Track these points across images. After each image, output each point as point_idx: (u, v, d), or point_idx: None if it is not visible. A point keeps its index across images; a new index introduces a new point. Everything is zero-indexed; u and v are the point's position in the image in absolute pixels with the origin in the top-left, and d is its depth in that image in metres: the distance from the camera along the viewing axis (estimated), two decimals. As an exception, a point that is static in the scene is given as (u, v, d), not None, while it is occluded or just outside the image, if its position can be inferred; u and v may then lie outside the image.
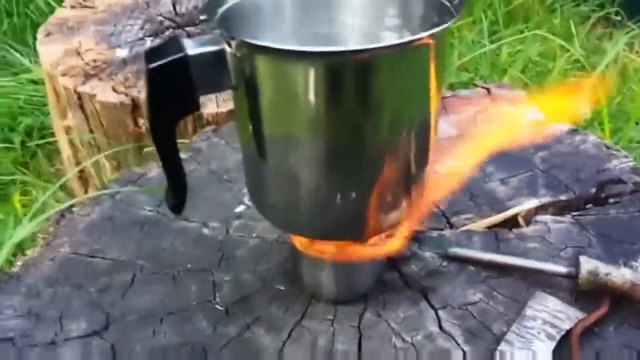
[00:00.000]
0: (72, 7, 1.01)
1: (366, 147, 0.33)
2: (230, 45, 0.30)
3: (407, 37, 0.30)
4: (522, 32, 1.27)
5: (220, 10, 0.34)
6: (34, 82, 1.28)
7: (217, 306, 0.45)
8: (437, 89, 0.35)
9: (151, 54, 0.30)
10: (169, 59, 0.30)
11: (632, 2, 1.54)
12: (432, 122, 0.37)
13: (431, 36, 0.30)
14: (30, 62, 1.33)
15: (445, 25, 0.31)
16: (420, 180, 0.38)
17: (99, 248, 0.50)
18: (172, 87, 0.30)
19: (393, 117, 0.33)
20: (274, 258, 0.49)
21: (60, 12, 1.00)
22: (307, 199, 0.36)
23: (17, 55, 1.34)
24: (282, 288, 0.46)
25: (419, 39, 0.30)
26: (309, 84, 0.31)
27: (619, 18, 1.53)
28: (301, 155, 0.34)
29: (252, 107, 0.33)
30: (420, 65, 0.32)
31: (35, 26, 1.43)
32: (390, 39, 0.37)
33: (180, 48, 0.30)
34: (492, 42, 1.24)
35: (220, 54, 0.30)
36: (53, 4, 1.45)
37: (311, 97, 0.31)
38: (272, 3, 0.37)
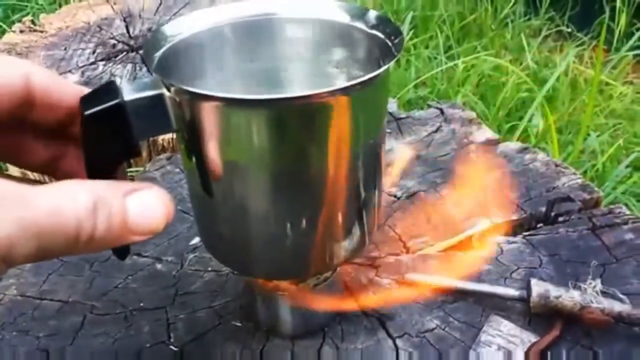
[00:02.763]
0: (21, 31, 0.98)
1: (310, 187, 0.33)
2: (169, 90, 0.30)
3: (352, 80, 0.30)
4: (475, 48, 1.30)
5: (159, 52, 0.33)
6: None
7: (172, 347, 0.43)
8: (380, 123, 0.35)
9: (86, 100, 0.30)
10: (105, 105, 0.29)
11: (581, 15, 1.61)
12: (380, 154, 0.37)
13: (374, 77, 0.30)
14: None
15: (386, 67, 0.31)
16: (370, 215, 0.38)
17: (47, 289, 0.49)
18: (108, 134, 0.29)
19: (338, 155, 0.33)
20: (230, 292, 0.48)
21: (9, 37, 0.97)
22: (251, 238, 0.36)
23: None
24: (239, 324, 0.45)
25: (361, 82, 0.30)
26: (250, 129, 0.30)
27: (569, 30, 1.58)
28: (245, 195, 0.34)
29: (193, 149, 0.32)
30: (363, 104, 0.32)
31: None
32: (335, 76, 0.37)
33: (116, 94, 0.29)
34: (448, 58, 1.27)
35: (159, 98, 0.30)
36: (3, 26, 1.41)
37: (253, 140, 0.31)
38: (214, 41, 0.37)
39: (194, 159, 0.33)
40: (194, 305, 0.47)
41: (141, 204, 0.28)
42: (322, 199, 0.34)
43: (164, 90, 0.30)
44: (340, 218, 0.35)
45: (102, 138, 0.29)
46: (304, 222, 0.34)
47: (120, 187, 0.28)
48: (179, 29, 0.35)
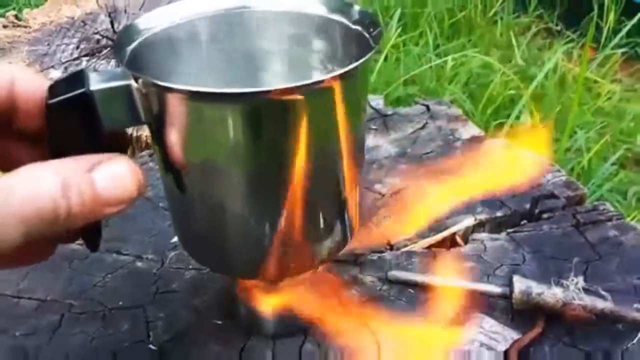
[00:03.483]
0: (5, 26, 0.97)
1: (282, 184, 0.33)
2: (136, 82, 0.29)
3: (328, 74, 0.30)
4: (464, 45, 1.30)
5: (132, 45, 0.32)
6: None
7: (151, 346, 0.43)
8: (359, 117, 0.35)
9: (52, 89, 0.29)
10: (70, 94, 0.28)
11: (570, 13, 1.61)
12: (360, 149, 0.36)
13: (350, 71, 0.30)
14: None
15: (363, 60, 0.30)
16: (350, 212, 0.37)
17: (25, 287, 0.48)
18: (74, 124, 0.29)
19: (313, 150, 0.32)
20: (211, 289, 0.47)
21: (-9, 32, 0.95)
22: (224, 237, 0.35)
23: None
24: (219, 322, 0.45)
25: (337, 76, 0.29)
26: (215, 123, 0.30)
27: (558, 28, 1.59)
28: (219, 190, 0.33)
29: (161, 143, 0.32)
30: (340, 99, 0.31)
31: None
32: (313, 70, 0.37)
33: (83, 83, 0.28)
34: (437, 55, 1.27)
35: (127, 89, 0.29)
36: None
37: (219, 135, 0.30)
38: (190, 34, 0.36)
39: (162, 153, 0.33)
40: (174, 303, 0.46)
41: (109, 175, 0.28)
42: (296, 197, 0.33)
43: (132, 82, 0.29)
44: (317, 216, 0.35)
45: (68, 128, 0.29)
46: (279, 220, 0.34)
47: (86, 161, 0.28)
48: (154, 22, 0.35)
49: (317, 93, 0.30)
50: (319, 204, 0.34)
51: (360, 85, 0.34)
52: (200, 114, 0.30)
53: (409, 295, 0.47)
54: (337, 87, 0.30)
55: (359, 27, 0.34)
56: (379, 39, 0.32)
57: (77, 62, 0.87)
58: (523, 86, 1.11)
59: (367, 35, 0.33)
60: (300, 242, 0.35)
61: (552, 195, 0.56)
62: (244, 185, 0.32)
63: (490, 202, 0.56)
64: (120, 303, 0.46)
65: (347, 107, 0.32)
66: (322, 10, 0.36)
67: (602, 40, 1.41)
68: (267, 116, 0.30)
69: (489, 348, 0.42)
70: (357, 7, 0.35)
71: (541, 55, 1.41)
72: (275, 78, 0.38)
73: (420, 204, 0.56)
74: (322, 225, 0.35)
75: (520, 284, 0.43)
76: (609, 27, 1.44)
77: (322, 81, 0.29)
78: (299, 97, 0.29)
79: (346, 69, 0.29)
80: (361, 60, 0.30)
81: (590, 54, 1.27)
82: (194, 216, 0.35)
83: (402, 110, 0.72)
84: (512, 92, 1.11)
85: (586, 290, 0.44)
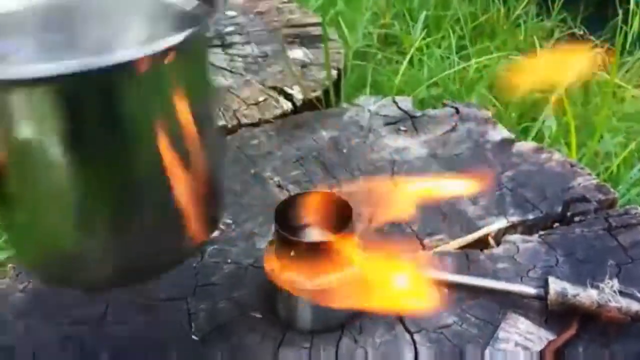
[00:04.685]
0: None
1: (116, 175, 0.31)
2: None
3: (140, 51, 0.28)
4: (488, 47, 1.30)
5: None
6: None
7: (194, 336, 0.44)
8: (198, 98, 0.33)
9: None
10: None
11: (594, 17, 1.60)
12: (203, 132, 0.34)
13: (168, 51, 0.28)
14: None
15: (187, 34, 0.29)
16: (196, 202, 0.35)
17: (70, 278, 0.49)
18: None
19: (142, 139, 0.31)
20: (250, 284, 0.49)
21: None
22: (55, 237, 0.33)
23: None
24: (259, 316, 0.46)
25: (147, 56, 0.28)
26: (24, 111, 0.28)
27: (582, 33, 1.58)
28: (44, 193, 0.31)
29: None
30: (164, 81, 0.30)
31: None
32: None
33: None
34: (460, 58, 1.27)
35: None
36: None
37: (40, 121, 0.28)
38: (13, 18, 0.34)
39: None
40: (215, 296, 0.47)
41: None
42: (137, 189, 0.31)
43: None
44: (157, 209, 0.33)
45: None
46: (122, 215, 0.32)
47: None
48: None
49: (133, 73, 0.28)
50: (157, 195, 0.32)
51: (192, 65, 0.32)
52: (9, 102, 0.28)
53: (443, 294, 0.48)
54: (156, 66, 0.29)
55: (191, 9, 0.33)
56: (210, 18, 0.31)
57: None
58: (547, 90, 1.11)
59: (199, 15, 0.32)
60: (140, 240, 0.33)
61: (584, 199, 0.57)
62: (67, 177, 0.30)
63: (522, 205, 0.57)
64: (163, 295, 0.47)
65: (174, 89, 0.30)
66: None
67: (627, 45, 1.40)
68: (82, 99, 0.28)
69: (525, 348, 0.42)
70: None
71: (564, 59, 1.40)
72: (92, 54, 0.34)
73: (451, 205, 0.57)
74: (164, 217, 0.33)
75: (555, 286, 0.44)
76: (633, 33, 1.43)
77: (136, 60, 0.28)
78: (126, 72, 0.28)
79: (160, 48, 0.28)
80: (187, 33, 0.29)
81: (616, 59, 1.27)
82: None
83: (431, 112, 0.73)
84: (537, 96, 1.11)
85: (621, 293, 0.44)
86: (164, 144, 0.32)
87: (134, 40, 0.34)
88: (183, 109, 0.32)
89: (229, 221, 0.55)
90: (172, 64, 0.30)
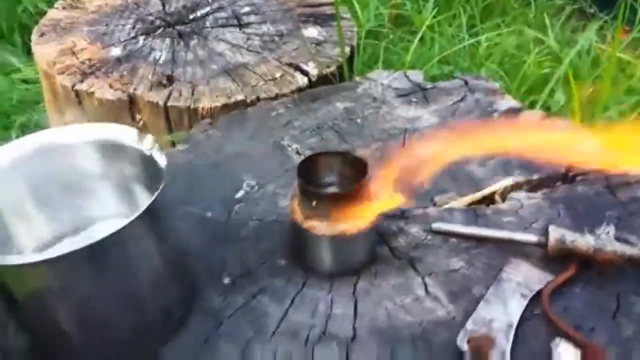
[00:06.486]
0: (64, 8, 1.04)
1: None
2: None
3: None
4: (499, 25, 1.32)
5: None
6: (25, 81, 1.31)
7: (225, 280, 0.49)
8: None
9: None
10: None
11: (604, -5, 1.61)
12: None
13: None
14: (20, 62, 1.35)
15: (130, 220, 0.37)
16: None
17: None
18: None
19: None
20: (274, 237, 0.53)
21: (52, 13, 1.02)
22: None
23: (7, 56, 1.36)
24: (283, 263, 0.50)
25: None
26: None
27: (592, 10, 1.59)
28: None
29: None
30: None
31: (23, 28, 1.46)
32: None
33: None
34: (470, 36, 1.29)
35: None
36: (40, 5, 1.47)
37: None
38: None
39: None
40: (242, 247, 0.52)
41: None
42: None
43: None
44: None
45: None
46: None
47: None
48: None
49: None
50: None
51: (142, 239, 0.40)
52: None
53: (451, 244, 0.52)
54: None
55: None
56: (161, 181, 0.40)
57: (134, 40, 0.93)
58: (556, 66, 1.13)
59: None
60: None
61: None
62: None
63: (526, 166, 0.60)
64: (195, 245, 0.52)
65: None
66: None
67: (636, 22, 1.41)
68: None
69: (526, 287, 0.46)
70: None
71: (574, 37, 1.42)
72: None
73: (460, 166, 0.61)
74: None
75: (555, 233, 0.48)
76: (643, 9, 1.44)
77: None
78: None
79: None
80: (130, 220, 0.37)
81: (623, 36, 1.28)
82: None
83: (441, 84, 0.76)
84: (546, 71, 1.14)
85: (617, 239, 0.48)
86: None
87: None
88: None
89: (253, 182, 0.60)
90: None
